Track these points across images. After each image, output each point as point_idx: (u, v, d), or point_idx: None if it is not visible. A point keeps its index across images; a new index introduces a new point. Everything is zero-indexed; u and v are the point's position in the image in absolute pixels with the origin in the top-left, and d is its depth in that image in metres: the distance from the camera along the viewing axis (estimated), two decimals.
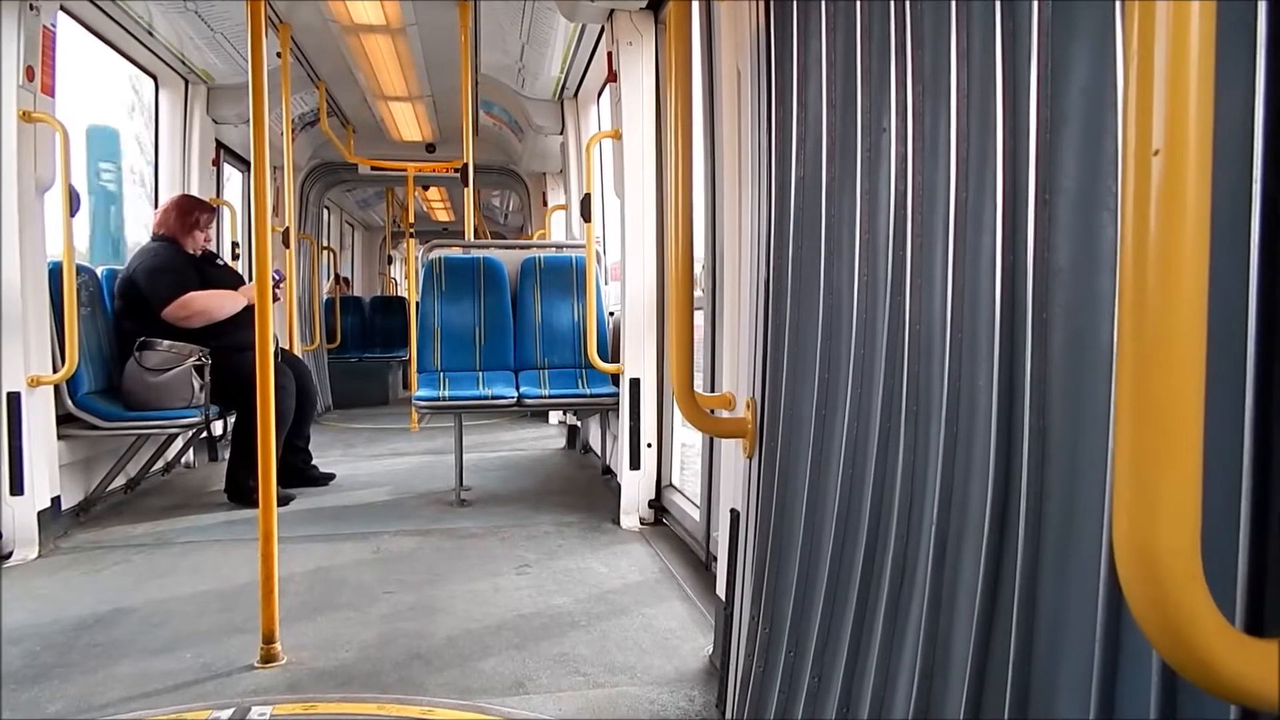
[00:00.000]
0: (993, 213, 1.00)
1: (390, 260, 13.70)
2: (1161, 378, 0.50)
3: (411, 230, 7.86)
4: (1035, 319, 0.92)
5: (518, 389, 4.14)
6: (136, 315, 3.87)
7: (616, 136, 3.72)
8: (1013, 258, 0.97)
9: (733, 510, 1.86)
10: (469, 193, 5.26)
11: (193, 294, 3.87)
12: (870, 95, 1.32)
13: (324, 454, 4.82)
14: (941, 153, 1.12)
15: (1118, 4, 0.79)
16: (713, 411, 1.94)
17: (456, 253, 4.68)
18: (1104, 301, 0.82)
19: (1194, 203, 0.49)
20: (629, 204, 3.62)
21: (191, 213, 4.08)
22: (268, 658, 2.15)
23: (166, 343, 3.78)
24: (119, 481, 4.01)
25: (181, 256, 3.99)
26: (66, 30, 3.73)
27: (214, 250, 4.36)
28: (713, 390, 2.81)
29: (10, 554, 3.09)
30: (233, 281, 4.16)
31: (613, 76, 3.89)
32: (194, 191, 5.00)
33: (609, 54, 3.95)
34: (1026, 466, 0.91)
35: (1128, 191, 0.51)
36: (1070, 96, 0.89)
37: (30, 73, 3.14)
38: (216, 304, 3.91)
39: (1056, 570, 0.87)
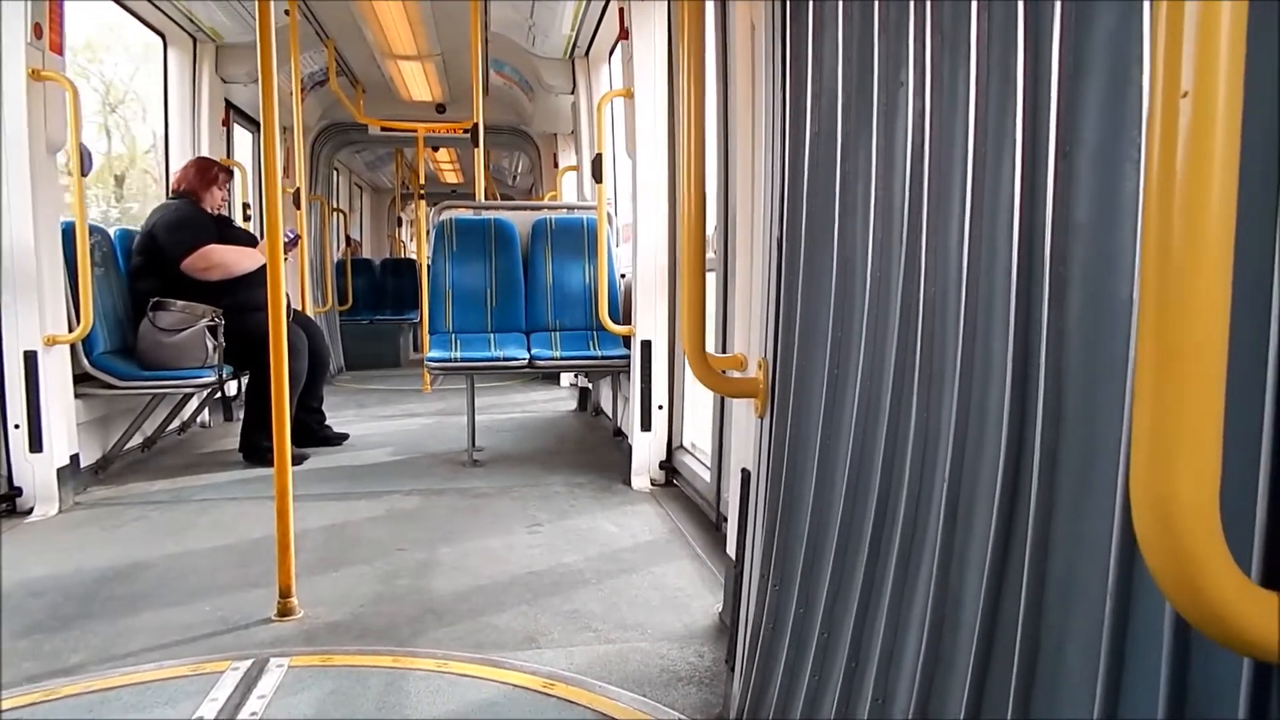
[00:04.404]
0: (1011, 167, 0.99)
1: (399, 222, 13.66)
2: (1184, 328, 0.49)
3: (421, 192, 7.82)
4: (1053, 275, 0.90)
5: (529, 351, 4.14)
6: (154, 273, 3.90)
7: (628, 95, 3.67)
8: (1030, 213, 0.95)
9: (744, 470, 1.87)
10: (479, 154, 5.22)
11: (213, 246, 3.90)
12: (888, 47, 1.29)
13: (337, 414, 4.86)
14: (960, 106, 1.10)
15: None
16: (724, 372, 1.94)
17: (467, 214, 4.66)
18: (1124, 257, 0.81)
19: (1223, 147, 0.48)
20: (641, 164, 3.58)
21: (211, 169, 4.16)
22: (284, 611, 2.19)
23: (180, 303, 3.80)
24: (136, 440, 4.07)
25: (201, 213, 4.04)
26: None
27: (228, 215, 4.39)
28: (724, 351, 2.81)
29: (31, 510, 3.15)
30: (249, 242, 4.19)
31: (625, 34, 3.83)
32: (205, 152, 4.99)
33: (620, 10, 3.88)
34: (1041, 423, 0.91)
35: (1154, 136, 0.50)
36: (1094, 46, 0.86)
37: (38, 30, 3.11)
38: (234, 258, 3.94)
39: (1069, 526, 0.87)
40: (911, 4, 1.21)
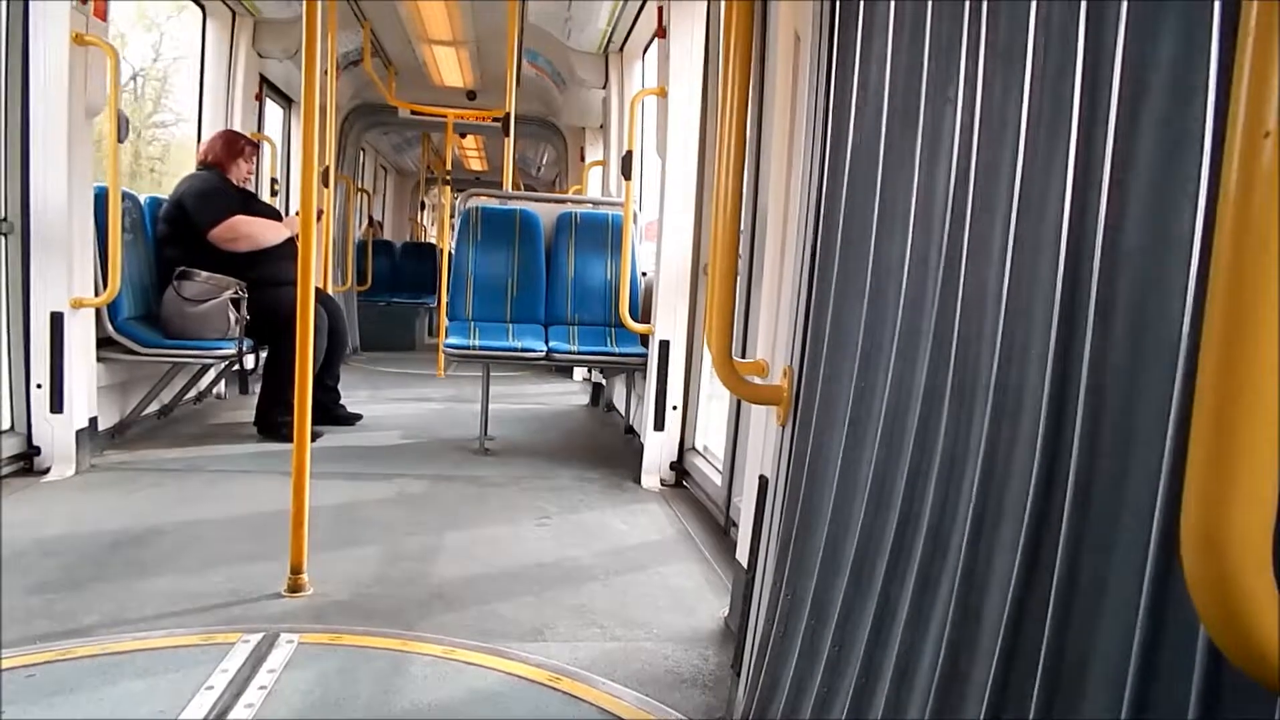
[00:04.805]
0: (1060, 190, 0.98)
1: (421, 206, 13.70)
2: (1249, 366, 0.49)
3: (447, 177, 7.84)
4: (1098, 303, 0.90)
5: (547, 343, 4.16)
6: (180, 242, 3.93)
7: (662, 94, 3.67)
8: (1079, 238, 0.94)
9: (761, 476, 1.87)
10: (509, 143, 5.23)
11: (240, 217, 3.94)
12: (937, 62, 1.29)
13: (351, 394, 4.88)
14: (1010, 125, 1.10)
15: None
16: (744, 378, 1.94)
17: (493, 203, 4.67)
18: (1174, 288, 0.80)
19: None
20: (671, 164, 3.58)
21: (237, 141, 4.20)
22: (294, 587, 2.21)
23: (205, 274, 3.83)
24: (153, 407, 4.10)
25: (228, 184, 4.08)
26: None
27: (252, 190, 4.43)
28: (743, 356, 2.81)
29: (48, 469, 3.18)
30: (273, 217, 4.22)
31: (661, 32, 3.83)
32: (236, 126, 5.03)
33: (659, 9, 3.88)
34: (1076, 450, 0.90)
35: (1230, 172, 0.49)
36: (1155, 71, 0.86)
37: None
38: (260, 230, 3.98)
39: (1098, 555, 0.86)
40: (965, 18, 1.20)
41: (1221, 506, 0.50)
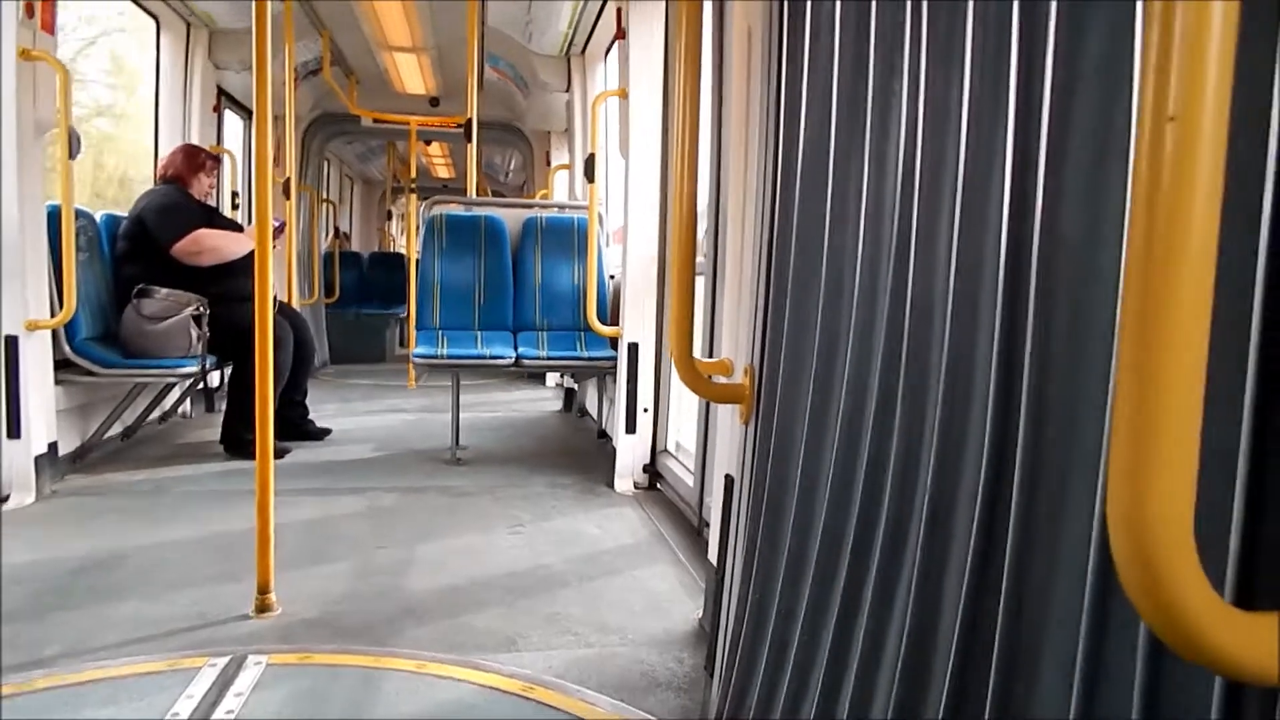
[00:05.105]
0: (1000, 181, 0.99)
1: (389, 216, 13.59)
2: (1164, 347, 0.49)
3: (413, 186, 7.79)
4: (1039, 291, 0.91)
5: (516, 349, 4.13)
6: (139, 259, 3.86)
7: (623, 95, 3.67)
8: (1019, 228, 0.96)
9: (727, 476, 1.87)
10: (472, 149, 5.20)
11: (204, 230, 3.88)
12: (882, 57, 1.30)
13: (320, 408, 4.83)
14: (952, 118, 1.11)
15: None
16: (710, 377, 1.94)
17: (458, 210, 4.64)
18: (1108, 275, 0.82)
19: (1208, 172, 0.48)
20: (634, 165, 3.58)
21: (198, 155, 4.15)
22: (262, 607, 2.17)
23: (164, 290, 3.77)
24: (116, 429, 4.03)
25: (189, 198, 4.03)
26: None
27: (213, 204, 4.37)
28: (711, 356, 2.81)
29: (7, 498, 3.11)
30: (235, 230, 4.16)
31: (621, 34, 3.84)
32: (194, 138, 4.96)
33: (618, 10, 3.89)
34: (1022, 437, 0.91)
35: (1141, 159, 0.50)
36: (1085, 62, 0.87)
37: (30, 9, 3.07)
38: (224, 242, 3.92)
39: (1048, 537, 0.88)
40: (907, 14, 1.21)
41: (1143, 490, 0.51)
